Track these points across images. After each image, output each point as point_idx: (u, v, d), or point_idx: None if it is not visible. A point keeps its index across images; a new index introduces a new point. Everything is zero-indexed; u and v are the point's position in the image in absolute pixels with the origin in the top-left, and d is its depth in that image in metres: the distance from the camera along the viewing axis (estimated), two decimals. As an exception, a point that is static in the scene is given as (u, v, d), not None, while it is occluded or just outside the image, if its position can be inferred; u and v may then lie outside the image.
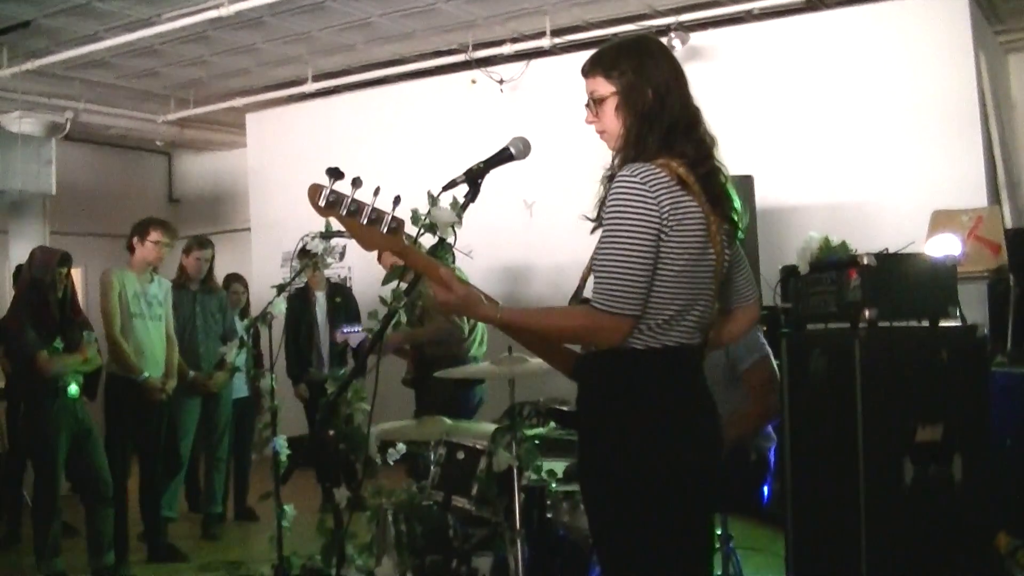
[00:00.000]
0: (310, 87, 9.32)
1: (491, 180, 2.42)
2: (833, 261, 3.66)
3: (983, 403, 3.61)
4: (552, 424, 4.45)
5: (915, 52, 7.21)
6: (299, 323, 6.94)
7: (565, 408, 4.36)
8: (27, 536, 5.70)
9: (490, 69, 8.67)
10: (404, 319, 3.27)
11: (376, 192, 2.14)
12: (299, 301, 6.88)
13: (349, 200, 2.11)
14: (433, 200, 2.41)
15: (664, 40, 2.81)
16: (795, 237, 4.09)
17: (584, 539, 3.62)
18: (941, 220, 6.01)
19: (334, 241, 4.09)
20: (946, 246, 5.40)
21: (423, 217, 2.50)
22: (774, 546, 4.26)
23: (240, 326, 6.34)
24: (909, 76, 7.21)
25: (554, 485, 3.83)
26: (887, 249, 3.64)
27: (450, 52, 8.68)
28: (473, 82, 8.84)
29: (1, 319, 5.90)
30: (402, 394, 5.81)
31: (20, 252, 8.03)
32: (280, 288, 4.27)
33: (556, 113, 7.26)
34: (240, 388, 6.76)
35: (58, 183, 9.13)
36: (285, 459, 4.10)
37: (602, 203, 2.23)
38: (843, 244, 3.75)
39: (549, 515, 3.78)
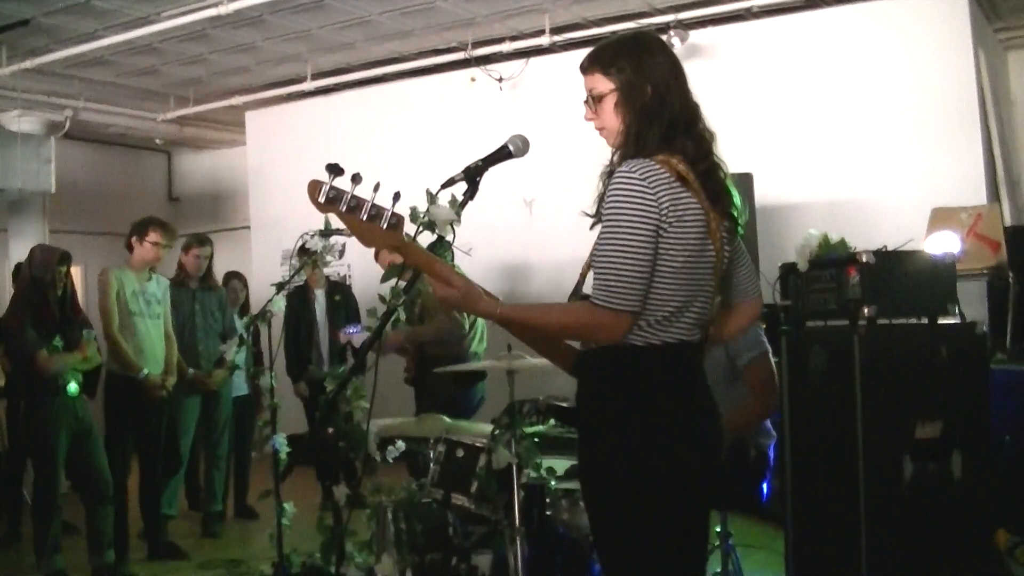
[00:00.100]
0: (309, 85, 9.31)
1: (491, 178, 2.42)
2: (832, 258, 3.67)
3: (982, 400, 3.61)
4: (552, 421, 4.46)
5: (914, 49, 7.21)
6: (299, 321, 6.94)
7: (565, 405, 4.36)
8: (27, 535, 5.70)
9: (489, 67, 8.67)
10: (403, 317, 3.28)
11: (376, 188, 2.14)
12: (298, 299, 6.88)
13: (349, 196, 2.11)
14: (432, 198, 2.41)
15: (663, 38, 2.80)
16: (794, 234, 4.09)
17: (584, 537, 3.62)
18: (940, 217, 6.02)
19: (333, 239, 4.08)
20: (945, 243, 5.41)
21: (422, 215, 2.50)
22: (774, 543, 4.26)
23: (239, 324, 6.36)
24: (908, 74, 7.21)
25: (554, 483, 3.84)
26: (886, 246, 3.65)
27: (449, 50, 8.67)
28: (472, 80, 8.84)
29: (1, 317, 5.89)
30: (402, 392, 5.81)
31: (20, 250, 8.03)
32: (279, 286, 4.27)
33: (556, 111, 7.26)
34: (240, 386, 6.76)
35: (58, 181, 9.13)
36: (285, 457, 4.10)
37: (601, 199, 2.23)
38: (842, 241, 3.76)
39: (549, 513, 3.78)
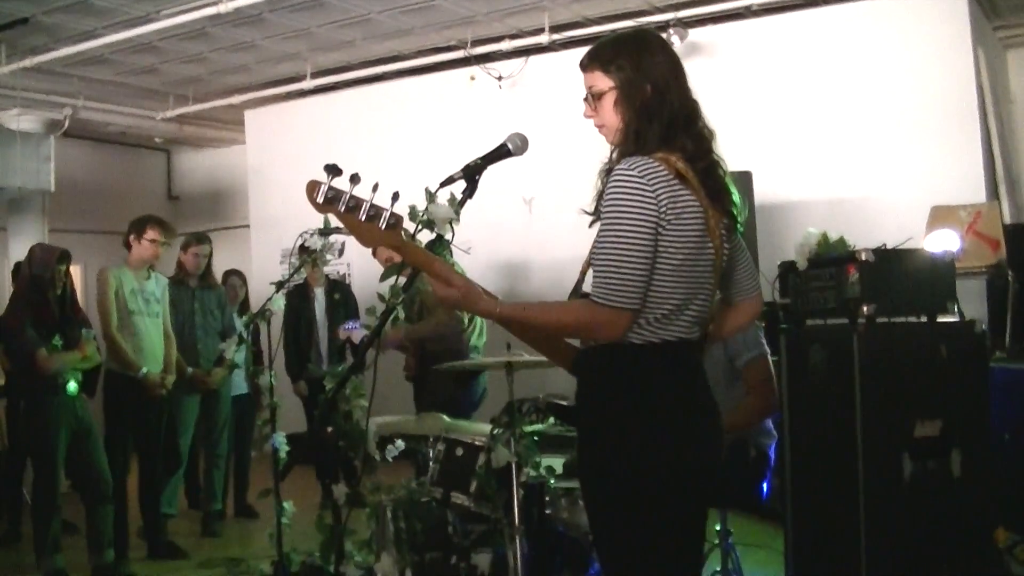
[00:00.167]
0: (309, 84, 9.31)
1: (490, 176, 2.42)
2: (832, 257, 3.67)
3: (982, 399, 3.61)
4: (551, 420, 4.45)
5: (914, 48, 7.21)
6: (298, 320, 6.94)
7: (565, 403, 4.36)
8: (27, 534, 5.70)
9: (489, 65, 8.67)
10: (402, 315, 3.28)
11: (374, 188, 2.14)
12: (298, 298, 6.88)
13: (347, 196, 2.11)
14: (431, 196, 2.41)
15: (663, 36, 2.82)
16: (794, 233, 4.09)
17: (583, 535, 3.63)
18: (940, 216, 6.02)
19: (333, 237, 4.09)
20: (945, 242, 5.41)
21: (421, 214, 2.50)
22: (774, 542, 4.26)
23: (239, 323, 6.36)
24: (908, 72, 7.21)
25: (553, 481, 3.84)
26: (885, 245, 3.65)
27: (449, 48, 8.67)
28: (472, 79, 8.83)
29: (0, 316, 5.89)
30: (402, 391, 5.81)
31: (19, 249, 8.02)
32: (279, 285, 4.28)
33: (555, 109, 7.26)
34: (240, 385, 6.76)
35: (57, 180, 9.13)
36: (284, 456, 4.10)
37: (600, 197, 2.23)
38: (841, 240, 3.75)
39: (548, 511, 3.78)
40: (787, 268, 3.90)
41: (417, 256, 2.20)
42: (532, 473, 3.78)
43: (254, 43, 8.44)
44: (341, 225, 2.17)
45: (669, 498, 2.19)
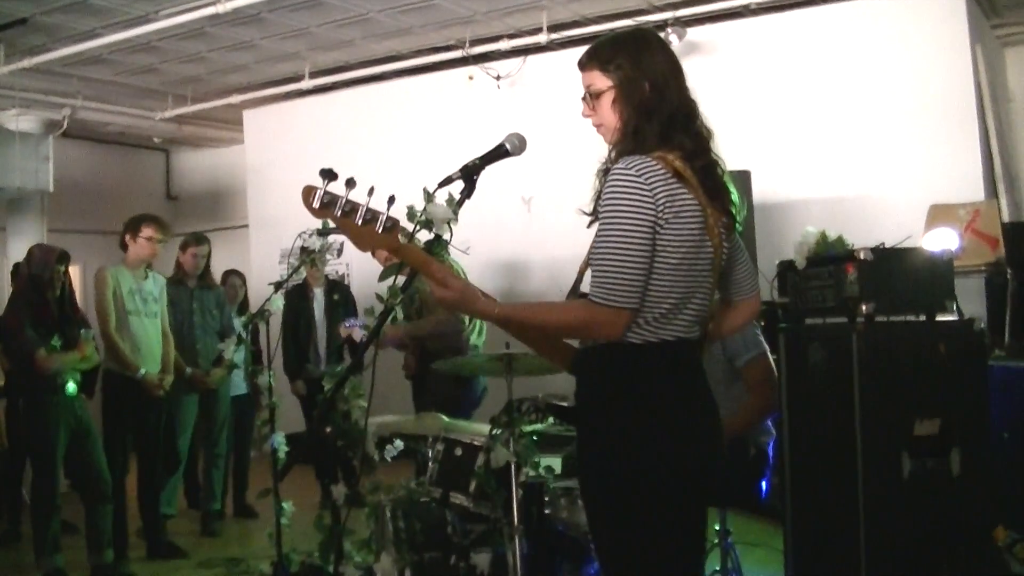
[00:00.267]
0: (308, 84, 9.30)
1: (489, 176, 2.42)
2: (831, 255, 3.67)
3: (981, 397, 3.62)
4: (551, 419, 4.45)
5: (912, 46, 7.20)
6: (297, 320, 6.94)
7: (564, 403, 4.36)
8: (27, 534, 5.70)
9: (487, 65, 8.66)
10: (401, 315, 3.27)
11: (370, 192, 2.14)
12: (297, 298, 6.89)
13: (343, 201, 2.11)
14: (429, 196, 2.41)
15: (661, 35, 2.83)
16: (792, 232, 4.10)
17: (583, 535, 3.62)
18: (938, 214, 6.02)
19: (331, 238, 4.09)
20: (944, 240, 5.41)
21: (419, 214, 2.50)
22: (773, 541, 4.26)
23: (238, 323, 6.36)
24: (906, 70, 7.20)
25: (552, 481, 3.84)
26: (884, 243, 3.65)
27: (447, 48, 8.66)
28: (470, 78, 8.83)
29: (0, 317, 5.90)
30: (401, 390, 5.81)
31: (18, 250, 8.03)
32: (278, 285, 4.27)
33: (553, 109, 7.27)
34: (239, 385, 6.76)
35: (56, 180, 9.13)
36: (283, 456, 4.10)
37: (598, 197, 2.23)
38: (840, 239, 3.76)
39: (548, 511, 3.78)
40: (786, 267, 3.90)
41: (415, 259, 2.20)
42: (531, 473, 3.78)
43: (253, 43, 8.44)
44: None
45: (669, 498, 2.19)
